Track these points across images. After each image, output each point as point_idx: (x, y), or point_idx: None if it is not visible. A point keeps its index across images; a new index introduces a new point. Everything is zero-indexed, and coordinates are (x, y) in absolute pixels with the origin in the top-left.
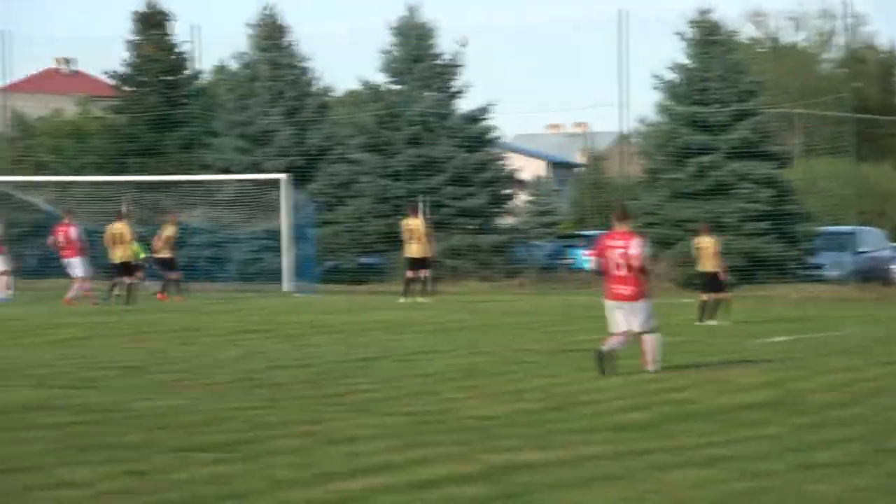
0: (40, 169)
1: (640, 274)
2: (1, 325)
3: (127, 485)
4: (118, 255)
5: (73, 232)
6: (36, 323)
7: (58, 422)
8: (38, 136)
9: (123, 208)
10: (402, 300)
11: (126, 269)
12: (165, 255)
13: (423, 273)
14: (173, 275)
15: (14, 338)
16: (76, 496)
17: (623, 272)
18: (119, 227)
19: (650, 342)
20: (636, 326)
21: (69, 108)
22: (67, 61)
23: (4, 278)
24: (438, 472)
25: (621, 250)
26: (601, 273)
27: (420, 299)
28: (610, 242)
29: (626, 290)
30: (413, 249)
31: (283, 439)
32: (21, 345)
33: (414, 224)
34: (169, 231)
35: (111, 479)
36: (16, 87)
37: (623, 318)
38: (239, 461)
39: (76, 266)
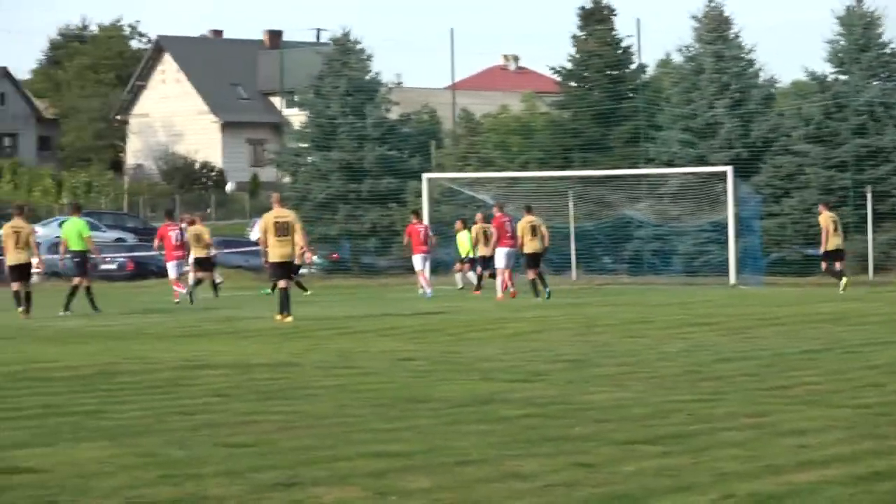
0: (486, 165)
1: None
2: (450, 320)
3: (573, 477)
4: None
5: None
6: (486, 318)
7: (506, 415)
8: (485, 132)
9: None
10: (841, 291)
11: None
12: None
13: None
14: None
15: (463, 333)
16: (523, 488)
17: None
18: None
19: None
20: None
21: (514, 105)
22: (516, 58)
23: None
24: (887, 465)
25: None
26: None
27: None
28: None
29: None
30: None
31: (728, 432)
32: (470, 340)
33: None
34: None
35: (558, 471)
36: (463, 85)
37: None
38: (685, 454)
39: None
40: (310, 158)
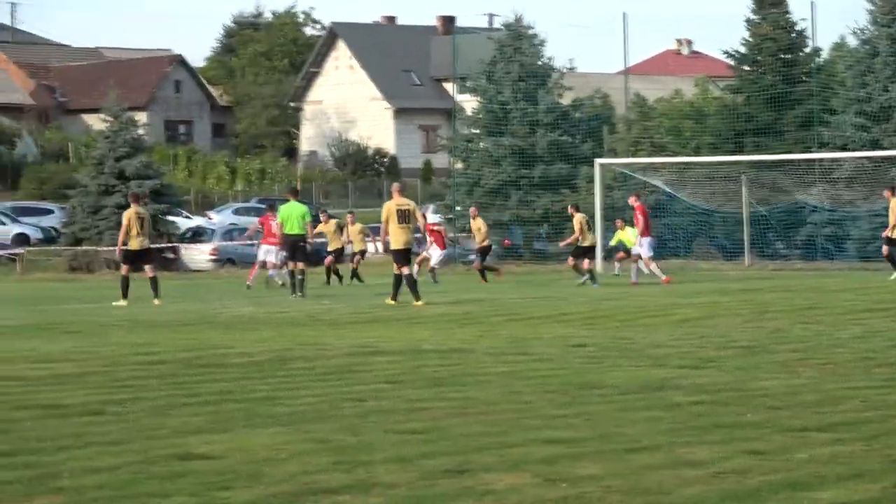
0: (658, 150)
1: None
2: (620, 306)
3: (745, 464)
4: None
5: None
6: (656, 304)
7: (676, 401)
8: (657, 117)
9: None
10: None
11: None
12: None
13: None
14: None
15: (633, 319)
16: (694, 475)
17: None
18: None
19: None
20: None
21: (687, 89)
22: (689, 43)
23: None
24: None
25: None
26: None
27: None
28: None
29: None
30: None
31: None
32: (640, 326)
33: None
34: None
35: (729, 458)
36: (635, 69)
37: None
38: (857, 441)
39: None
40: (482, 144)
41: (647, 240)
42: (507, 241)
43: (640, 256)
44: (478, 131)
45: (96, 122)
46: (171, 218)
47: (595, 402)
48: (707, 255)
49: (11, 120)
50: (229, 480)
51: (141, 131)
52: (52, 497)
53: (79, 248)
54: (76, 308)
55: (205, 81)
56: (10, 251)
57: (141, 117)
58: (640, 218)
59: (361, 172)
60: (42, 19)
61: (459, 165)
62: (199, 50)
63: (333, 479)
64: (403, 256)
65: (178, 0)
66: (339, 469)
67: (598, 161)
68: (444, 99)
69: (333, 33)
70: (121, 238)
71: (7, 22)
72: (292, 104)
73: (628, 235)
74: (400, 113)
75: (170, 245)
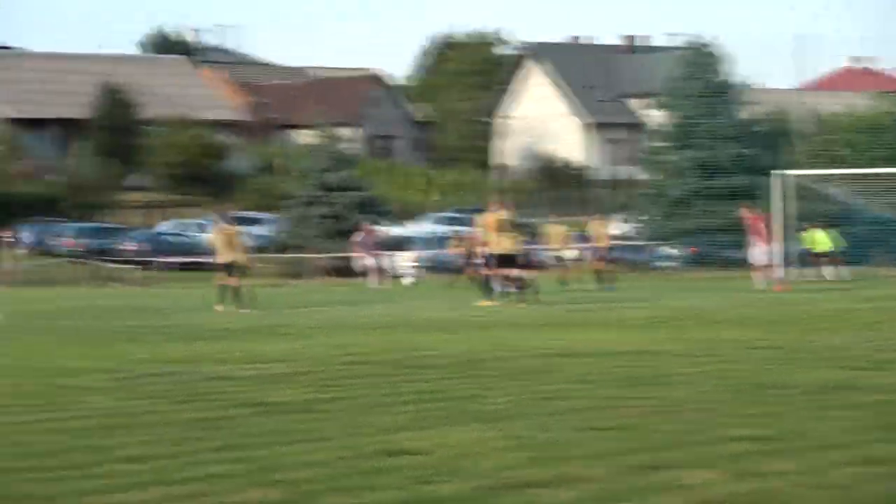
0: (836, 162)
1: None
2: (802, 310)
3: None
4: None
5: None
6: (836, 308)
7: (860, 401)
8: (834, 131)
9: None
10: None
11: None
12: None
13: None
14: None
15: (814, 322)
16: (882, 472)
17: None
18: None
19: None
20: None
21: (863, 105)
22: (865, 60)
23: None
24: None
25: None
26: None
27: None
28: None
29: None
30: None
31: None
32: (822, 329)
33: None
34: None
35: None
36: (812, 86)
37: None
38: None
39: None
40: (668, 157)
41: (762, 247)
42: (693, 249)
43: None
44: (665, 144)
45: (303, 138)
46: (374, 227)
47: (780, 402)
48: (886, 262)
49: (226, 135)
50: (432, 475)
51: (345, 146)
52: (268, 489)
53: (287, 255)
54: (287, 312)
55: (405, 99)
56: None
57: (346, 133)
58: (757, 227)
59: (552, 184)
60: (249, 40)
61: (645, 176)
62: (399, 68)
63: (530, 473)
64: (507, 261)
65: (379, 21)
66: (536, 464)
67: (778, 173)
68: (630, 114)
69: (526, 52)
70: None
71: (219, 43)
72: (488, 120)
73: (819, 237)
74: (589, 127)
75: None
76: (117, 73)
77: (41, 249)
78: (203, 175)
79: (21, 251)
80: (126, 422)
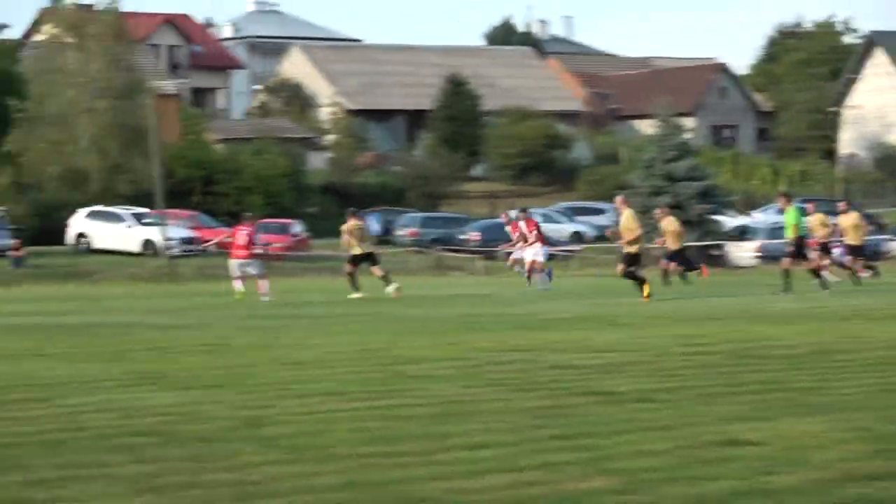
0: None
1: None
2: None
3: None
4: None
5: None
6: None
7: None
8: None
9: None
10: None
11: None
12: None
13: None
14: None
15: None
16: None
17: None
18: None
19: None
20: None
21: None
22: None
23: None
24: None
25: None
26: None
27: None
28: None
29: None
30: None
31: None
32: None
33: None
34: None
35: None
36: None
37: None
38: None
39: None
40: None
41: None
42: None
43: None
44: None
45: (645, 128)
46: (716, 217)
47: None
48: None
49: (567, 125)
50: (773, 466)
51: (688, 136)
52: (608, 478)
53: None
54: (625, 301)
55: (749, 88)
56: (566, 248)
57: (688, 123)
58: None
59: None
60: (594, 31)
61: None
62: (743, 58)
63: (874, 466)
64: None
65: (723, 12)
66: (881, 457)
67: None
68: None
69: (871, 41)
70: None
71: (562, 34)
72: (832, 109)
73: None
74: None
75: (716, 243)
76: (462, 64)
77: (386, 238)
78: (543, 165)
79: None
80: (469, 409)
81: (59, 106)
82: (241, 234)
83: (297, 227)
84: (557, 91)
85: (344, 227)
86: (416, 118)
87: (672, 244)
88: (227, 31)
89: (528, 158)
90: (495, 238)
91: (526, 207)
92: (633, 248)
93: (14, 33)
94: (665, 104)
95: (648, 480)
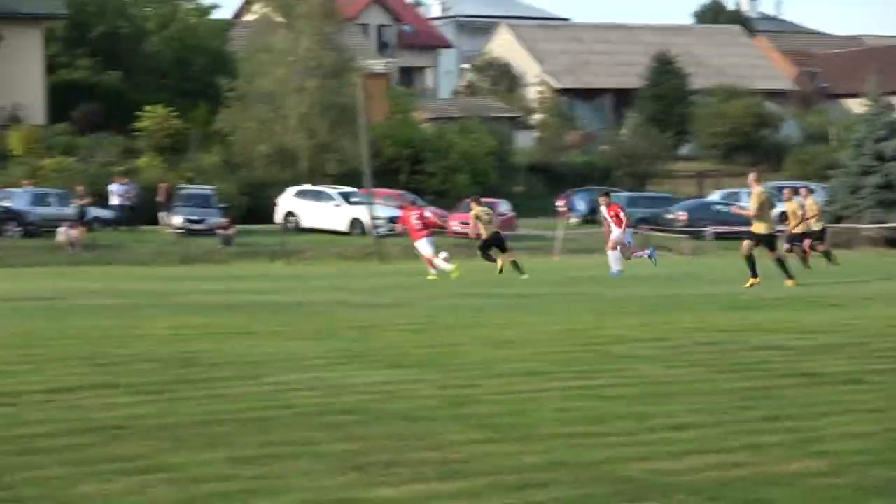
0: None
1: None
2: None
3: None
4: None
5: None
6: None
7: None
8: None
9: None
10: None
11: None
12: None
13: None
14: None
15: None
16: None
17: None
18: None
19: None
20: None
21: None
22: None
23: None
24: None
25: None
26: None
27: None
28: None
29: None
30: None
31: None
32: None
33: None
34: None
35: None
36: None
37: None
38: None
39: None
40: None
41: None
42: None
43: None
44: None
45: (855, 107)
46: None
47: None
48: None
49: (776, 104)
50: None
51: None
52: (815, 460)
53: (839, 225)
54: (838, 283)
55: None
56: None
57: None
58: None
59: None
60: (804, 9)
61: None
62: None
63: None
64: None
65: None
66: None
67: None
68: None
69: None
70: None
71: (771, 12)
72: None
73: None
74: None
75: None
76: (671, 43)
77: (593, 218)
78: (751, 144)
79: (574, 219)
80: (671, 390)
81: (268, 85)
82: (414, 215)
83: (504, 206)
84: (767, 69)
85: (471, 214)
86: (623, 97)
87: (815, 225)
88: (435, 11)
89: (736, 137)
90: (702, 218)
91: (608, 191)
92: (761, 228)
93: (225, 13)
94: (875, 83)
95: (856, 463)
